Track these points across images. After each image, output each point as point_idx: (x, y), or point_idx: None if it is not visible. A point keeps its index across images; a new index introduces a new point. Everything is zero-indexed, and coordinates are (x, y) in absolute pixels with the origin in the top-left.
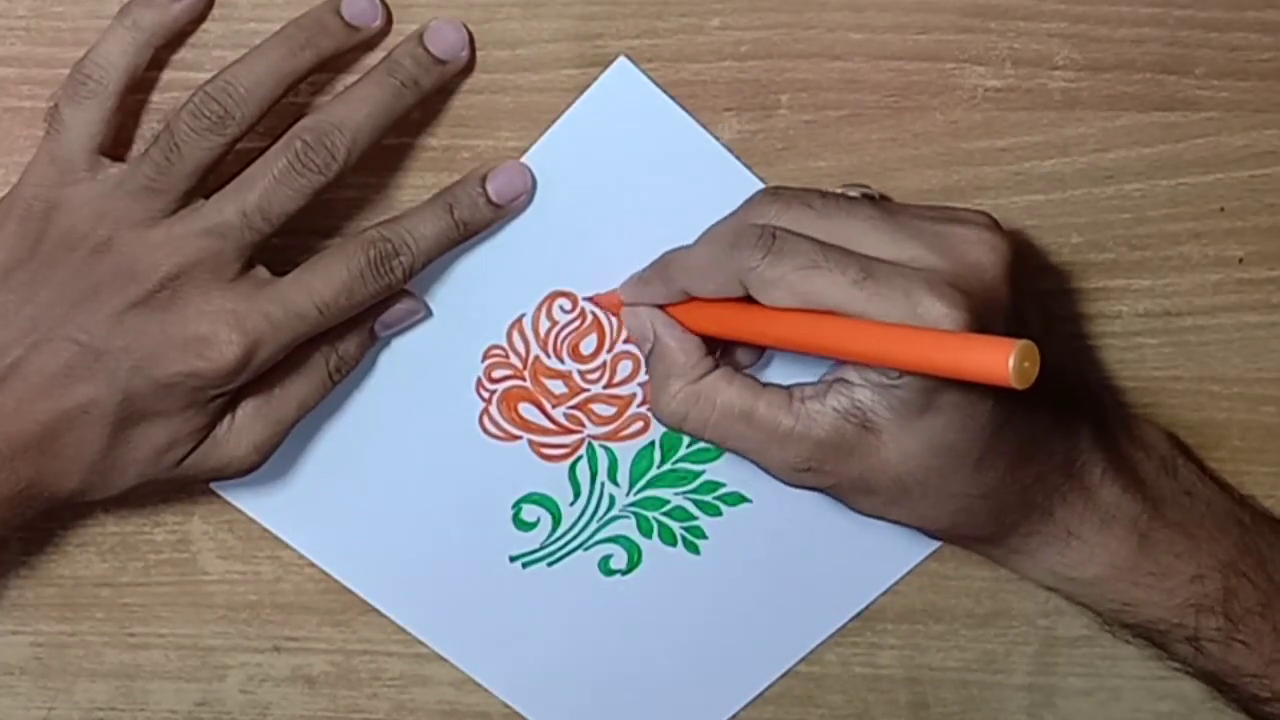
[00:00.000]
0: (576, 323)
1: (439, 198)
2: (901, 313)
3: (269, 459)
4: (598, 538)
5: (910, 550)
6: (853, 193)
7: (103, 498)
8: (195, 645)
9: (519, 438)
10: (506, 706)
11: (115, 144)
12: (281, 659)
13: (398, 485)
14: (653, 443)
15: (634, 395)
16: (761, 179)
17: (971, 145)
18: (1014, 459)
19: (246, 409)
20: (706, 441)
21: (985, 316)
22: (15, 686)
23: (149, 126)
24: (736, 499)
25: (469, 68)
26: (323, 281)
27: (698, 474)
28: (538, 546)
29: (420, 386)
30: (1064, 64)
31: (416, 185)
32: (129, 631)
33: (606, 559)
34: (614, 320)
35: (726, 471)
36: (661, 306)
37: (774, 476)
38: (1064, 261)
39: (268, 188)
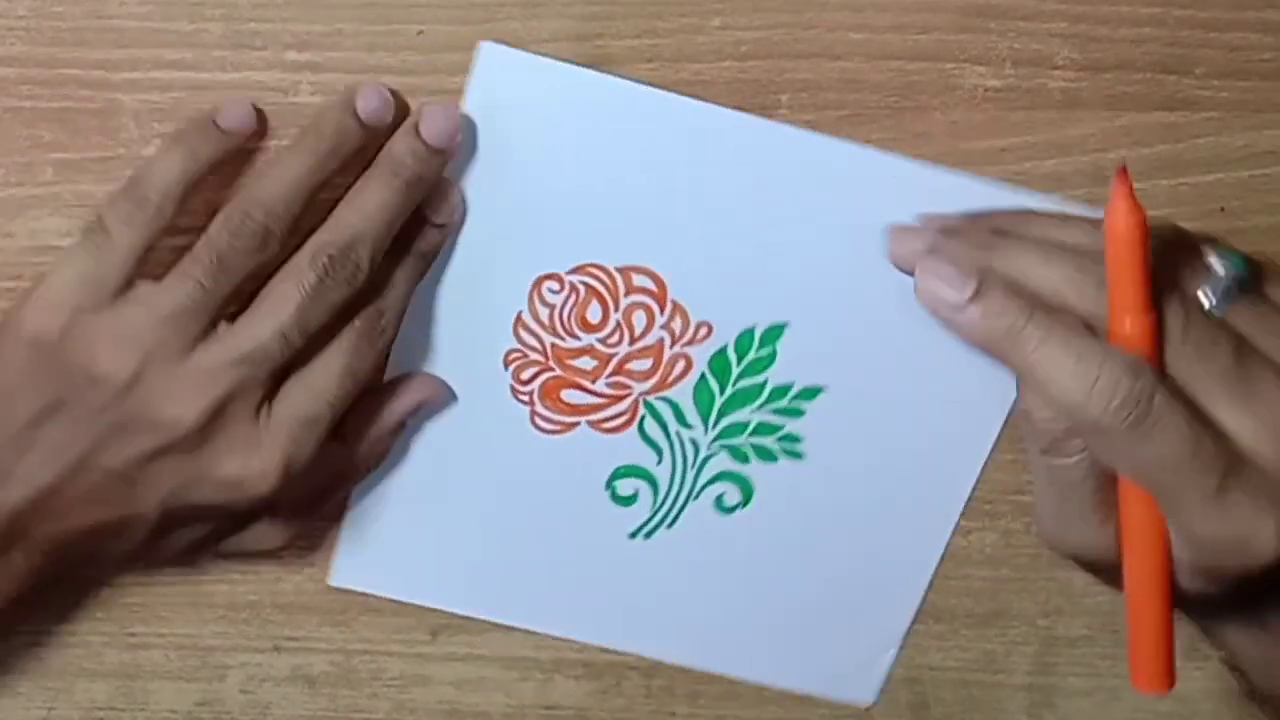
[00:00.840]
0: (571, 298)
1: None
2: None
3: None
4: (701, 483)
5: (998, 403)
6: (1222, 265)
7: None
8: (195, 645)
9: (576, 424)
10: (507, 706)
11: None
12: (281, 659)
13: (493, 516)
14: (703, 375)
15: (661, 340)
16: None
17: (971, 145)
18: None
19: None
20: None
21: None
22: (15, 686)
23: (149, 127)
24: (811, 393)
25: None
26: (324, 379)
27: (761, 385)
28: (649, 515)
29: (464, 417)
30: (1064, 64)
31: None
32: (129, 631)
33: (720, 498)
34: (608, 281)
35: (786, 371)
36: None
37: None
38: None
39: (302, 306)
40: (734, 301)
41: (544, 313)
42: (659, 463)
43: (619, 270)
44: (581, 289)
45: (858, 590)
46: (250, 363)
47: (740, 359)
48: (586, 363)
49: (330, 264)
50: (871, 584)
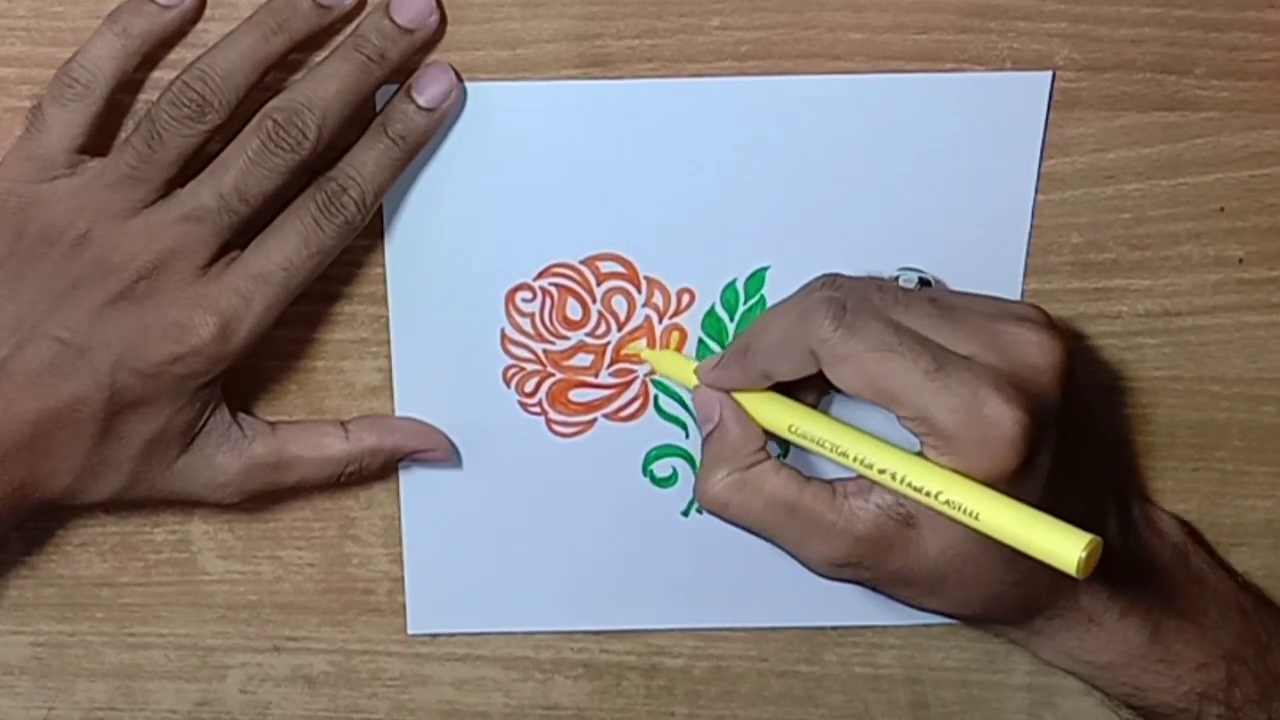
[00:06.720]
0: (546, 302)
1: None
2: (967, 409)
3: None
4: None
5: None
6: (908, 280)
7: (98, 499)
8: (195, 645)
9: (593, 420)
10: (506, 706)
11: (98, 145)
12: (281, 659)
13: (544, 531)
14: (701, 340)
15: (648, 318)
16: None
17: None
18: None
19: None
20: (746, 530)
21: (1041, 419)
22: (15, 686)
23: None
24: None
25: (437, 34)
26: (277, 240)
27: None
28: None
29: (484, 445)
30: (1064, 64)
31: None
32: (129, 631)
33: None
34: (577, 276)
35: None
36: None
37: (810, 569)
38: (1064, 261)
39: (243, 169)
40: (707, 261)
41: (524, 323)
42: (687, 436)
43: (584, 263)
44: (554, 291)
45: None
46: (193, 220)
47: (731, 315)
48: (583, 359)
49: (274, 128)
50: None
